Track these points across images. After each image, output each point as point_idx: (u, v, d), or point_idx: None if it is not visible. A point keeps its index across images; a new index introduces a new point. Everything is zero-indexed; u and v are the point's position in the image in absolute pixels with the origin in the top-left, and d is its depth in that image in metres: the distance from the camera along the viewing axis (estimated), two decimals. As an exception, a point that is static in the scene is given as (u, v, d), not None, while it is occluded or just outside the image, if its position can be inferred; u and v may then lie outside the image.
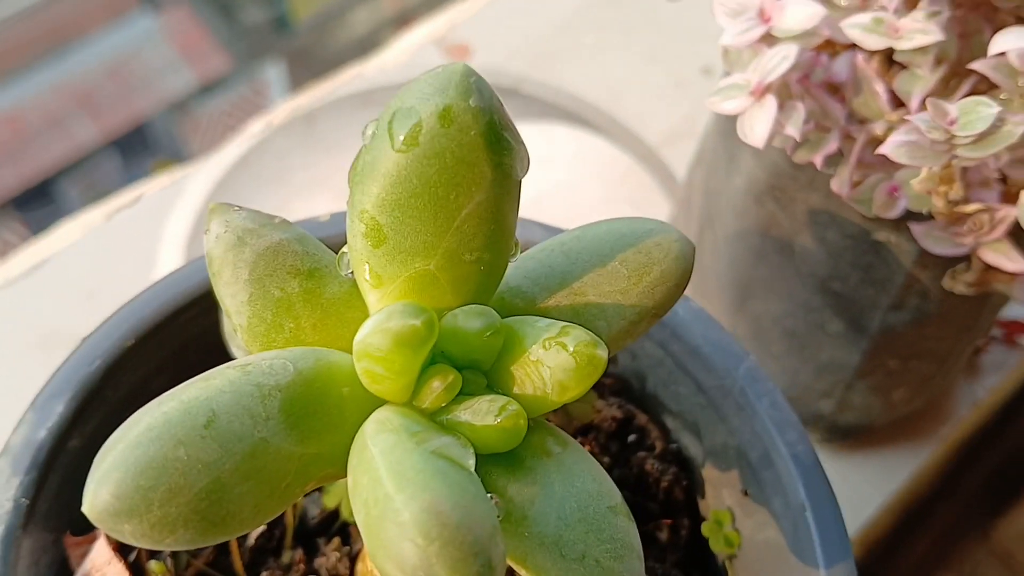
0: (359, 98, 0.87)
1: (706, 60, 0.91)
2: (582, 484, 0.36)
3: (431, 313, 0.33)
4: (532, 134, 0.87)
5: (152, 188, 0.81)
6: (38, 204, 2.01)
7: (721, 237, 0.68)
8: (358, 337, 0.33)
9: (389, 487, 0.30)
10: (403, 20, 2.20)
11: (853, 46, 0.51)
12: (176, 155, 2.12)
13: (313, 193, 0.81)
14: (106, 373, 0.49)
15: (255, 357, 0.36)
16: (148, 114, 2.07)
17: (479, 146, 0.33)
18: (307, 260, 0.38)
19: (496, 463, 0.36)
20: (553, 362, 0.34)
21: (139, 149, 2.08)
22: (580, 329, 0.34)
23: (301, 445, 0.34)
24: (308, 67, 2.19)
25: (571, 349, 0.34)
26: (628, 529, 0.36)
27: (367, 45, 2.27)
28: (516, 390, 0.35)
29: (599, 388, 0.58)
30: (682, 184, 0.75)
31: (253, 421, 0.34)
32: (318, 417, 0.35)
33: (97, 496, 0.31)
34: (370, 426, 0.34)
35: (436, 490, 0.30)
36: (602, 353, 0.34)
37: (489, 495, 0.32)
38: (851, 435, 0.75)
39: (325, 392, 0.35)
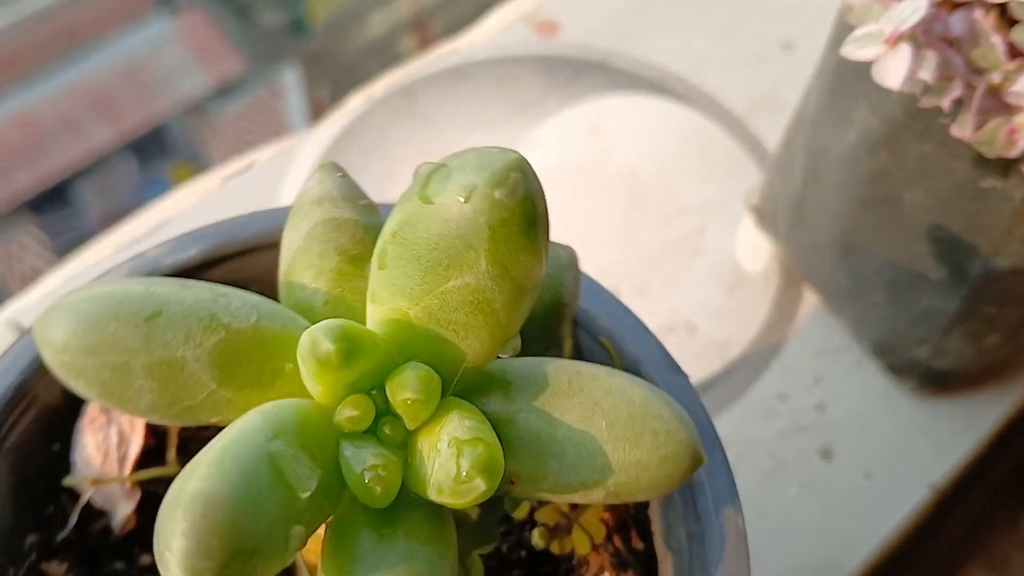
0: (454, 72, 0.89)
1: (785, 35, 0.94)
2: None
3: (353, 345, 0.34)
4: (620, 105, 0.89)
5: (263, 156, 0.83)
6: (54, 206, 2.01)
7: (827, 191, 0.71)
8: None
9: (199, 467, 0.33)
10: (420, 22, 2.23)
11: (969, 3, 0.56)
12: (193, 158, 2.12)
13: (414, 163, 0.82)
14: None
15: (237, 293, 0.39)
16: (164, 117, 2.07)
17: (483, 235, 0.35)
18: (358, 247, 0.41)
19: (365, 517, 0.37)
20: (443, 459, 0.35)
21: (155, 152, 2.09)
22: (491, 450, 0.34)
23: (216, 382, 0.37)
24: (324, 70, 2.20)
25: (463, 463, 0.34)
26: None
27: (384, 47, 2.29)
28: (415, 461, 0.36)
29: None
30: (778, 147, 0.78)
31: (186, 339, 0.37)
32: (244, 372, 0.38)
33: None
34: (254, 413, 0.36)
35: (215, 479, 0.32)
36: (485, 486, 0.34)
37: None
38: (944, 382, 0.77)
39: (267, 357, 0.38)
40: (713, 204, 0.85)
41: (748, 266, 0.82)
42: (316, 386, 0.36)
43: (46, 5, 2.03)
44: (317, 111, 2.16)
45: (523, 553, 0.52)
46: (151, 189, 2.06)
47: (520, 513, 0.51)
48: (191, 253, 0.51)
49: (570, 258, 0.46)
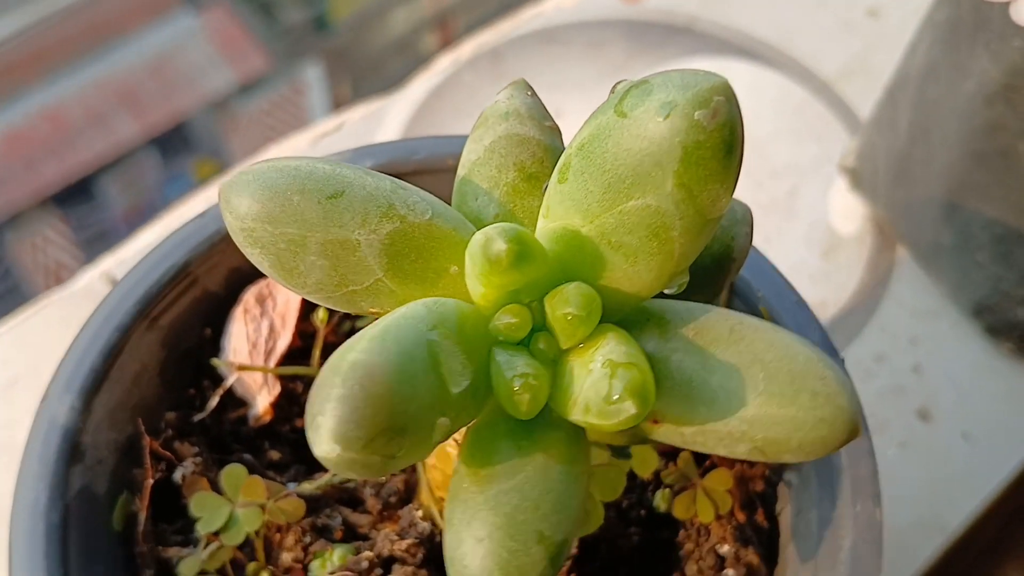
0: (541, 35, 0.89)
1: (871, 3, 0.94)
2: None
3: (525, 248, 0.34)
4: (708, 69, 0.89)
5: (354, 115, 0.82)
6: (78, 200, 2.01)
7: (936, 147, 0.71)
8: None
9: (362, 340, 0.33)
10: (442, 20, 2.23)
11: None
12: (215, 153, 2.12)
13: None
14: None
15: (416, 189, 0.39)
16: (188, 112, 2.07)
17: (676, 156, 0.33)
18: (536, 165, 0.41)
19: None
20: (595, 378, 0.35)
21: (179, 147, 2.08)
22: (645, 375, 0.34)
23: (383, 270, 0.38)
24: (347, 67, 2.20)
25: (616, 384, 0.34)
26: None
27: (406, 45, 2.29)
28: (564, 379, 0.36)
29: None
30: (876, 107, 0.78)
31: (362, 223, 0.37)
32: (411, 265, 0.38)
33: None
34: (417, 304, 0.36)
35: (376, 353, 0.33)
36: (635, 409, 0.33)
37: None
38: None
39: (434, 255, 0.38)
40: (804, 167, 0.85)
41: (842, 228, 0.82)
42: (479, 287, 0.36)
43: (72, 1, 2.03)
44: (339, 108, 2.16)
45: (642, 512, 0.51)
46: (174, 184, 2.06)
47: (646, 471, 0.50)
48: (365, 165, 0.51)
49: (744, 213, 0.44)
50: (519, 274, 0.35)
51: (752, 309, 0.50)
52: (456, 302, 0.37)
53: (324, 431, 0.31)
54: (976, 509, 0.73)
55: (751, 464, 0.50)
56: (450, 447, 0.43)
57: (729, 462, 0.50)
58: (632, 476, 0.51)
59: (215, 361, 0.53)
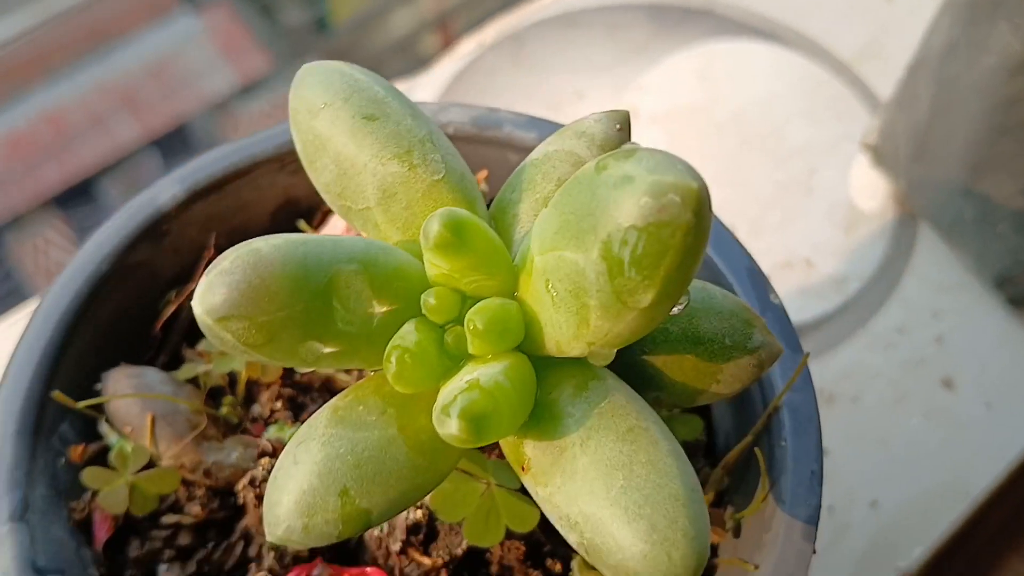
0: (562, 19, 0.90)
1: (886, -15, 0.96)
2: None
3: (460, 239, 0.35)
4: (726, 51, 0.90)
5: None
6: (80, 202, 2.00)
7: (959, 121, 0.72)
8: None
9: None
10: (443, 22, 2.24)
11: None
12: (216, 155, 2.11)
13: (526, 107, 0.84)
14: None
15: (451, 157, 0.42)
16: (189, 114, 2.07)
17: (607, 231, 0.32)
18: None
19: None
20: (450, 388, 0.36)
21: (180, 149, 2.08)
22: (482, 402, 0.34)
23: (376, 202, 0.40)
24: (348, 68, 2.19)
25: (457, 402, 0.34)
26: None
27: (406, 46, 2.29)
28: (451, 379, 0.37)
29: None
30: (898, 86, 0.79)
31: (377, 152, 0.40)
32: (400, 210, 0.40)
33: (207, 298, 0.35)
34: (364, 240, 0.38)
35: (274, 249, 0.36)
36: (456, 430, 0.34)
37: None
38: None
39: (422, 211, 0.40)
40: (823, 146, 0.86)
41: (863, 204, 0.83)
42: (425, 260, 0.37)
43: (73, 3, 2.03)
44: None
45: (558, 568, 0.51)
46: (176, 186, 2.05)
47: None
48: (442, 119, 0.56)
49: (768, 355, 0.43)
50: (449, 259, 0.36)
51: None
52: (405, 259, 0.38)
53: (198, 291, 0.34)
54: (999, 475, 0.74)
55: None
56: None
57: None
58: None
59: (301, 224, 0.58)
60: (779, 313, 0.50)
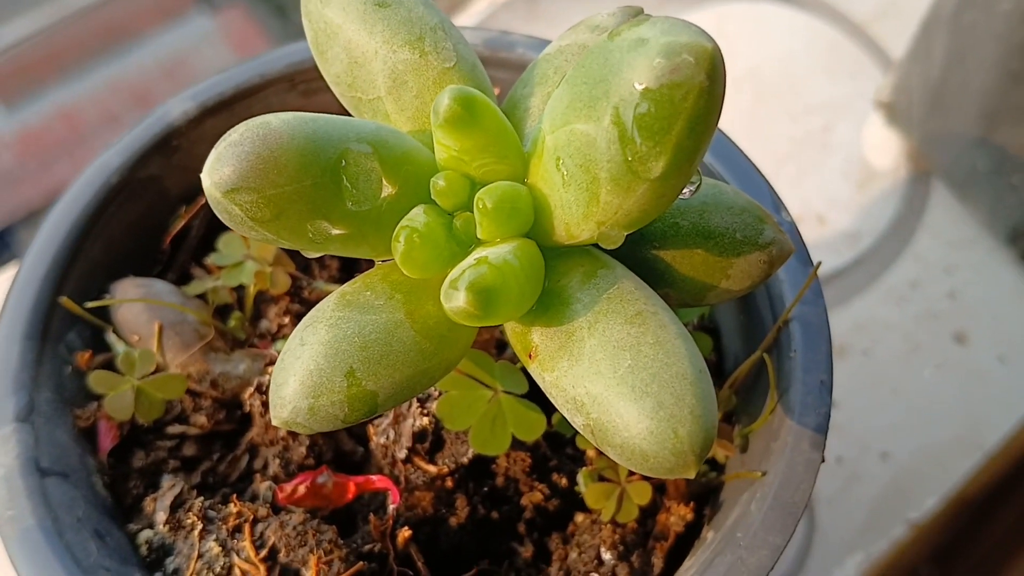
0: (576, -21, 0.90)
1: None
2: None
3: (471, 114, 0.35)
4: (740, 10, 0.90)
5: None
6: (93, 200, 2.00)
7: (972, 71, 0.71)
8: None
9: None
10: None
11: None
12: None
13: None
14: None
15: (462, 46, 0.42)
16: (202, 113, 2.07)
17: (619, 95, 0.31)
18: None
19: None
20: (461, 266, 0.35)
21: (193, 149, 2.08)
22: (487, 276, 0.34)
23: (386, 91, 0.40)
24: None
25: (464, 277, 0.34)
26: None
27: None
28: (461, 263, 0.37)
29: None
30: (912, 41, 0.79)
31: (387, 41, 0.40)
32: (410, 98, 0.40)
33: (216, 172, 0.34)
34: (375, 123, 0.38)
35: (285, 122, 0.36)
36: (463, 302, 0.34)
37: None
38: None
39: (433, 98, 0.40)
40: (838, 104, 0.86)
41: (876, 161, 0.83)
42: (436, 143, 0.36)
43: (88, 2, 2.04)
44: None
45: (563, 481, 0.51)
46: (188, 185, 2.06)
47: (589, 445, 0.50)
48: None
49: (781, 250, 0.43)
50: (458, 136, 0.35)
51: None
52: (415, 144, 0.37)
53: (207, 164, 0.34)
54: (1013, 427, 0.74)
55: (684, 501, 0.50)
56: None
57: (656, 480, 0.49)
58: (578, 452, 0.51)
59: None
60: (790, 228, 0.49)
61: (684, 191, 0.36)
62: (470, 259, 0.35)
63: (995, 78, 0.69)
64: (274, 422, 0.37)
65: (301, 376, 0.36)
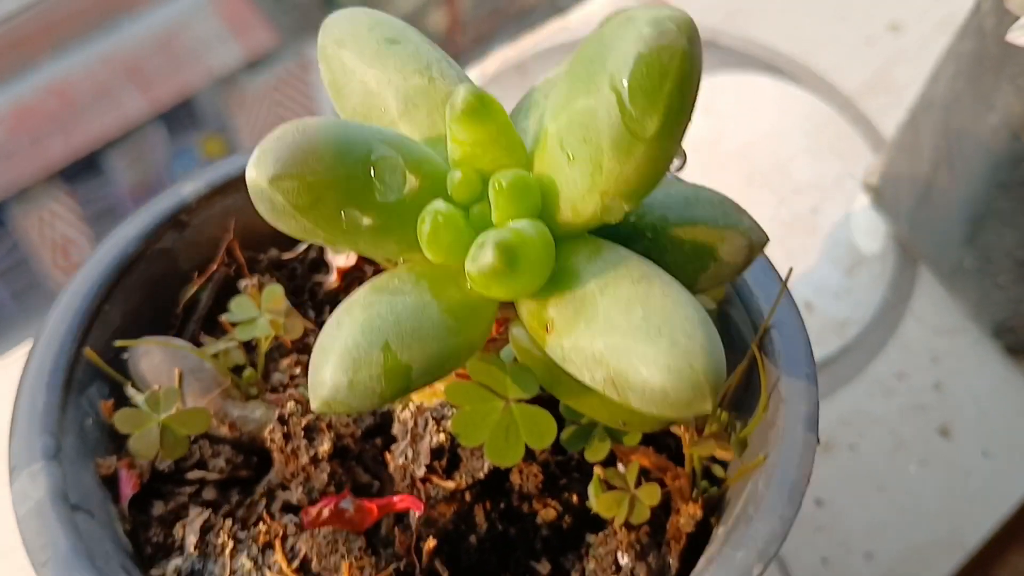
0: (566, 49, 0.90)
1: (892, 17, 0.95)
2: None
3: (484, 106, 0.39)
4: (730, 84, 0.90)
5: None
6: (86, 176, 2.00)
7: (961, 174, 0.72)
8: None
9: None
10: (448, -2, 2.21)
11: None
12: (222, 129, 2.11)
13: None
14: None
15: (463, 75, 0.45)
16: (195, 88, 2.06)
17: (615, 63, 0.36)
18: None
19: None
20: (487, 235, 0.39)
21: (186, 123, 2.08)
22: (513, 241, 0.38)
23: (398, 113, 0.44)
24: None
25: (490, 238, 0.38)
26: None
27: (414, 21, 2.26)
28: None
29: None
30: (900, 129, 0.79)
31: (399, 68, 0.44)
32: (425, 117, 0.44)
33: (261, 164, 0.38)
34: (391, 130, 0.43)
35: (319, 127, 0.39)
36: (491, 258, 0.38)
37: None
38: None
39: (443, 117, 0.42)
40: (827, 184, 0.86)
41: (864, 246, 0.83)
42: (450, 141, 0.40)
43: (81, -24, 2.01)
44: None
45: (574, 497, 0.52)
46: (181, 160, 2.06)
47: (595, 456, 0.51)
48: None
49: (749, 230, 0.47)
50: (472, 128, 0.39)
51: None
52: (429, 150, 0.42)
53: (252, 158, 0.37)
54: (995, 526, 0.75)
55: (693, 499, 0.51)
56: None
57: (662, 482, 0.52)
58: (585, 469, 0.53)
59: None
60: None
61: (674, 164, 0.41)
62: (491, 232, 0.39)
63: (982, 185, 0.70)
64: (313, 406, 0.39)
65: (340, 352, 0.39)
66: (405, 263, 0.42)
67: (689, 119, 0.37)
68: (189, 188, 0.57)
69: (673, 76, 0.35)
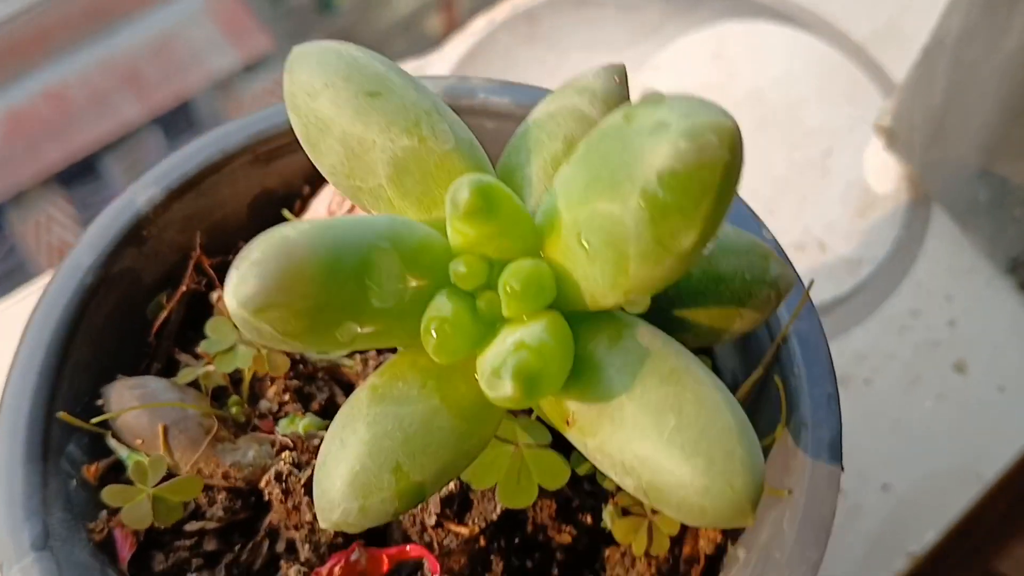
0: (576, -1, 0.90)
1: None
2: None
3: (490, 204, 0.35)
4: (740, 31, 0.90)
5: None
6: (83, 180, 2.00)
7: (975, 105, 0.71)
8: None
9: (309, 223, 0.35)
10: (447, 1, 2.23)
11: None
12: (218, 133, 2.11)
13: (550, 84, 0.83)
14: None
15: (455, 119, 0.41)
16: (192, 92, 2.06)
17: (646, 178, 0.32)
18: None
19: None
20: (495, 351, 0.36)
21: (182, 127, 2.08)
22: (531, 359, 0.34)
23: (386, 180, 0.39)
24: (351, 48, 2.20)
25: (507, 364, 0.34)
26: None
27: (410, 26, 2.28)
28: (490, 343, 0.37)
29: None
30: (912, 69, 0.78)
31: (386, 128, 0.39)
32: (413, 184, 0.40)
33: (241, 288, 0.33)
34: (386, 219, 0.38)
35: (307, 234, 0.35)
36: (511, 391, 0.34)
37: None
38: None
39: (437, 184, 0.40)
40: (838, 128, 0.86)
41: (877, 187, 0.83)
42: (451, 230, 0.36)
43: (75, -19, 2.02)
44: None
45: (588, 519, 0.51)
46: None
47: (611, 482, 0.50)
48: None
49: (779, 278, 0.44)
50: (478, 225, 0.35)
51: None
52: (428, 232, 0.37)
53: (230, 285, 0.33)
54: (1012, 458, 0.74)
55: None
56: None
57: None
58: (597, 487, 0.51)
59: (286, 212, 0.58)
60: (775, 246, 0.50)
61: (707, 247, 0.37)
62: (505, 343, 0.35)
63: (997, 114, 0.69)
64: (323, 526, 0.37)
65: (347, 478, 0.36)
66: (404, 353, 0.39)
67: (724, 219, 0.33)
68: (143, 197, 0.53)
69: (713, 191, 0.31)
